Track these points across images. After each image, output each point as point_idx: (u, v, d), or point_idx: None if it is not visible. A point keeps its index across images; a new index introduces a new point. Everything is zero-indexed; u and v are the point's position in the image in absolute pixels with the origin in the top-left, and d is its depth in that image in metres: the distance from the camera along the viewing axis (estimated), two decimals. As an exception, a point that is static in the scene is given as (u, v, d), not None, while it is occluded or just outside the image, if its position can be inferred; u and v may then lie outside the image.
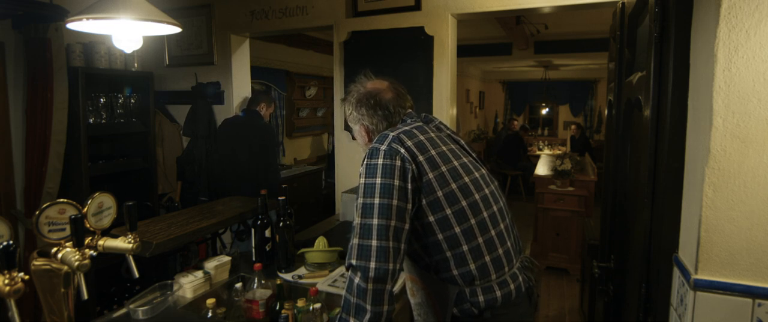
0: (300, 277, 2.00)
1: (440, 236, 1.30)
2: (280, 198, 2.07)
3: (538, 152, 8.55)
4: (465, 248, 1.30)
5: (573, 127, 8.27)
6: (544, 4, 2.70)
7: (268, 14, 3.43)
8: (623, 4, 1.90)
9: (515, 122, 8.58)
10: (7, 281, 1.10)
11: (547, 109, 11.54)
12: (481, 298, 1.31)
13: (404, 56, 3.03)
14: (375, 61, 3.10)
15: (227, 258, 2.03)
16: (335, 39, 3.23)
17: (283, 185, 2.62)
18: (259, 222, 2.11)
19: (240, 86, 3.75)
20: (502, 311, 1.33)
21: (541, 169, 5.14)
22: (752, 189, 1.07)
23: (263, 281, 1.86)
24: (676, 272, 1.25)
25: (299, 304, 1.63)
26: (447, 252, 1.31)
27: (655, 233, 1.35)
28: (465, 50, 6.42)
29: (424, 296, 1.39)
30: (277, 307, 1.75)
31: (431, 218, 1.29)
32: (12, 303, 1.14)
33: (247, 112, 3.56)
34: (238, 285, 1.87)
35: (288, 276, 2.01)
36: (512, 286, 1.35)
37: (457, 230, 1.30)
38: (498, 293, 1.32)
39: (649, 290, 1.39)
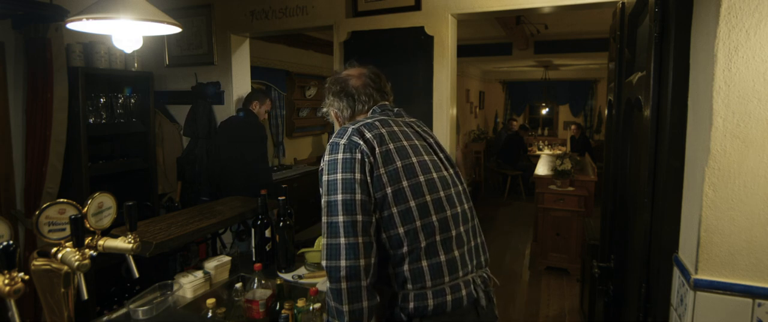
0: (300, 277, 2.00)
1: (383, 235, 1.27)
2: (280, 198, 2.07)
3: (538, 152, 8.55)
4: (405, 249, 1.26)
5: (573, 127, 8.26)
6: (544, 4, 2.70)
7: (268, 14, 3.43)
8: (623, 4, 1.90)
9: (514, 122, 8.59)
10: (7, 281, 1.10)
11: (547, 109, 11.53)
12: (411, 304, 1.25)
13: (404, 56, 3.02)
14: (375, 61, 3.04)
15: (227, 258, 2.03)
16: (335, 39, 3.23)
17: (283, 185, 2.62)
18: (259, 222, 2.11)
19: (240, 86, 3.76)
20: (433, 321, 1.27)
21: (541, 169, 5.15)
22: (752, 189, 1.07)
23: (263, 281, 1.86)
24: (676, 272, 1.25)
25: (299, 304, 1.63)
26: (389, 251, 1.27)
27: (655, 233, 1.35)
28: (465, 50, 6.43)
29: None
30: (277, 307, 1.75)
31: (377, 215, 1.26)
32: (12, 303, 1.14)
33: (243, 112, 3.58)
34: (238, 285, 1.87)
35: (288, 276, 2.01)
36: (449, 297, 1.27)
37: (401, 230, 1.26)
38: (430, 302, 1.25)
39: (649, 290, 1.39)
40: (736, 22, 1.04)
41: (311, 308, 1.62)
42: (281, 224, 2.05)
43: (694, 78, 1.20)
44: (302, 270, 2.07)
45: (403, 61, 3.03)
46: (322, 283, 1.90)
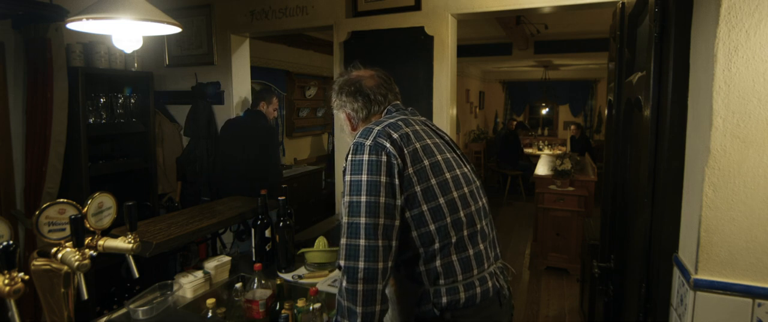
0: (300, 277, 2.00)
1: (414, 233, 1.28)
2: (280, 198, 2.07)
3: (538, 152, 8.55)
4: (436, 246, 1.28)
5: (573, 127, 8.26)
6: (544, 4, 2.70)
7: (268, 14, 3.43)
8: (623, 4, 1.90)
9: (513, 122, 8.60)
10: (7, 281, 1.10)
11: (547, 109, 11.54)
12: (444, 299, 1.27)
13: (404, 56, 3.02)
14: (375, 61, 3.07)
15: (227, 258, 2.03)
16: (335, 39, 3.23)
17: (283, 185, 2.62)
18: (259, 222, 2.11)
19: (240, 86, 3.75)
20: (464, 313, 1.29)
21: (541, 169, 5.15)
22: (752, 189, 1.07)
23: (263, 281, 1.86)
24: (676, 272, 1.25)
25: (299, 304, 1.63)
26: (419, 249, 1.28)
27: (655, 233, 1.35)
28: (465, 50, 6.43)
29: (393, 293, 1.38)
30: (277, 307, 1.75)
31: (407, 214, 1.27)
32: (12, 303, 1.14)
33: (249, 112, 3.56)
34: (238, 285, 1.87)
35: (288, 276, 2.01)
36: (478, 289, 1.30)
37: (432, 227, 1.27)
38: (462, 295, 1.28)
39: (649, 290, 1.39)
40: (736, 23, 1.04)
41: (311, 308, 1.62)
42: (281, 224, 2.05)
43: (694, 78, 1.20)
44: (302, 270, 2.07)
45: (403, 61, 3.02)
46: (322, 283, 1.90)
